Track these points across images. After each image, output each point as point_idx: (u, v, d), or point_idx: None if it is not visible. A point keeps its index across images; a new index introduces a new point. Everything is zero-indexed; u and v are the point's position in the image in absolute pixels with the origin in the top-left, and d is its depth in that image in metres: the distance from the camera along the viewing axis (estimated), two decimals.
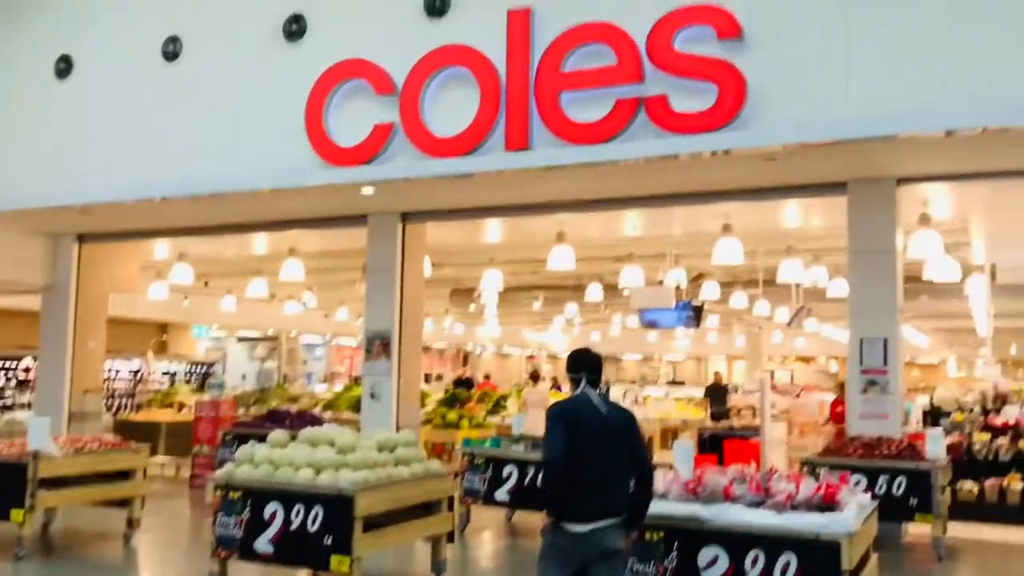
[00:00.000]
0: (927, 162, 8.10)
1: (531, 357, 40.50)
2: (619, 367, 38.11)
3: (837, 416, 12.64)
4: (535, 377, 16.10)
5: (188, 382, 22.01)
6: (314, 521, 5.48)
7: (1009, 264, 15.26)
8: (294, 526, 5.53)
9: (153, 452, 13.46)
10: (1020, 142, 7.14)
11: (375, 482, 5.66)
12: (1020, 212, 10.52)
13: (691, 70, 7.23)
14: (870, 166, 8.16)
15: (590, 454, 4.19)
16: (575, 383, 4.46)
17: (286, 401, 16.34)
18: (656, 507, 4.65)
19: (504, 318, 29.26)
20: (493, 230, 13.00)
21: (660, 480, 4.82)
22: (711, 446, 12.04)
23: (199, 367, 24.69)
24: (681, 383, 30.58)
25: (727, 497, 4.60)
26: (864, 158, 7.82)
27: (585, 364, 4.53)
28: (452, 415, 13.91)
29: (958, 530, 8.46)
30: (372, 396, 10.91)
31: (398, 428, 10.23)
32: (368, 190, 9.36)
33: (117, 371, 23.18)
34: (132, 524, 7.82)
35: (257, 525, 5.64)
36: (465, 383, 20.63)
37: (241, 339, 30.44)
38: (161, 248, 15.13)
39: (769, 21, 7.19)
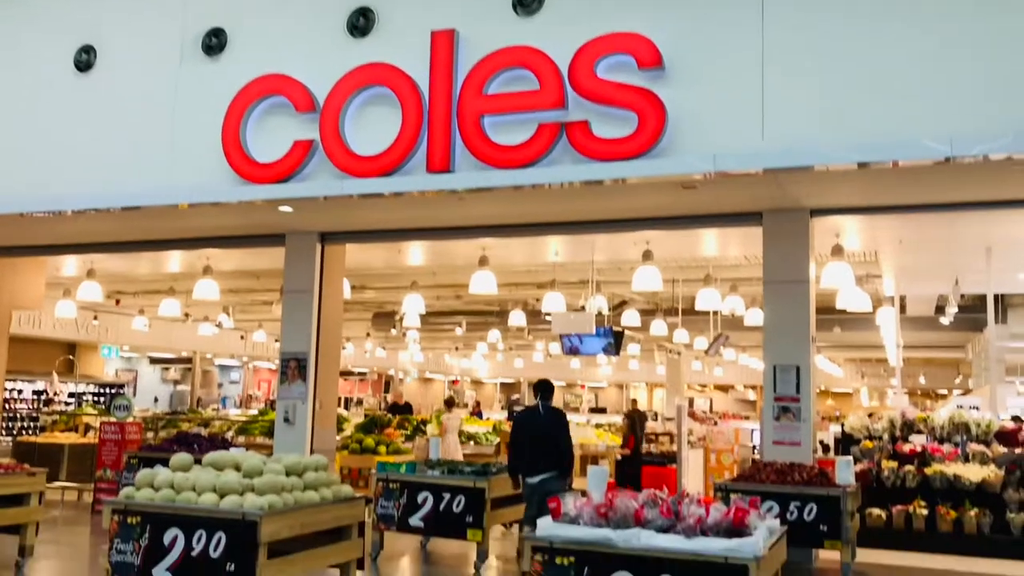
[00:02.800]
0: (840, 194, 8.31)
1: (454, 382, 40.30)
2: None
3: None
4: (450, 403, 16.01)
5: (96, 404, 21.25)
6: (216, 547, 5.27)
7: (917, 296, 15.82)
8: (195, 552, 5.31)
9: (55, 477, 12.96)
10: (929, 177, 7.39)
11: (281, 507, 5.48)
12: (928, 245, 10.90)
13: (612, 98, 7.28)
14: (785, 197, 8.33)
15: (531, 440, 8.27)
16: (536, 397, 8.60)
17: (197, 425, 15.87)
18: (567, 531, 4.61)
19: (427, 343, 29.08)
20: (415, 253, 12.92)
21: (572, 504, 4.78)
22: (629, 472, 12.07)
23: (109, 389, 23.88)
24: (603, 410, 30.73)
25: (638, 521, 4.57)
26: (779, 189, 7.99)
27: (540, 388, 8.64)
28: (370, 440, 13.66)
29: (867, 556, 8.61)
30: (286, 420, 10.66)
31: (312, 453, 9.99)
32: (286, 208, 9.19)
33: (19, 392, 22.27)
34: (24, 552, 7.43)
35: (156, 552, 5.40)
36: (403, 408, 20.00)
37: (153, 360, 29.60)
38: (69, 264, 14.64)
39: (689, 52, 7.30)
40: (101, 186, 9.12)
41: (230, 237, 11.14)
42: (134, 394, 26.73)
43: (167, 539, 5.38)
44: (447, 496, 8.07)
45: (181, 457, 5.93)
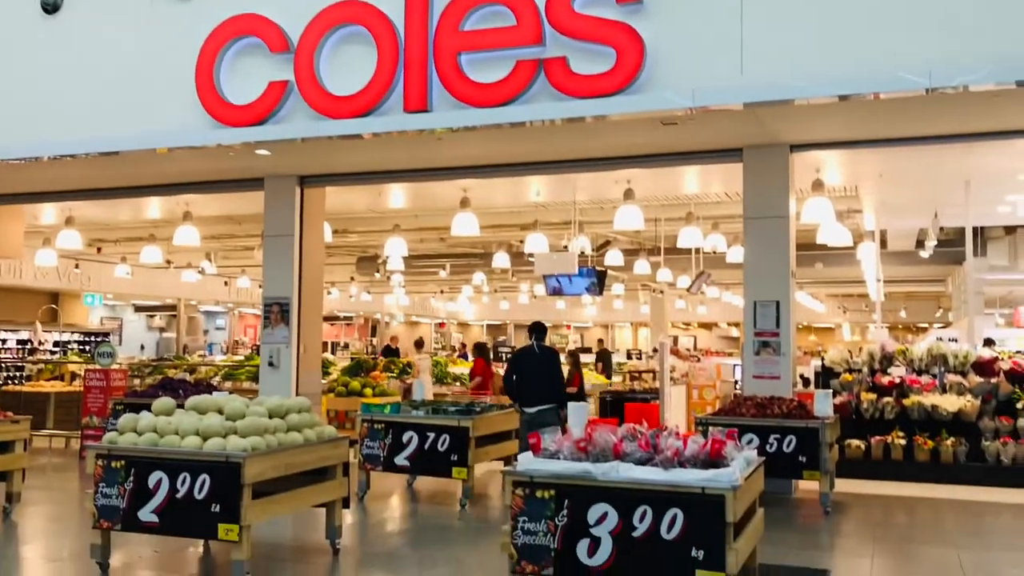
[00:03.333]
0: (820, 129, 8.29)
1: (441, 325, 40.42)
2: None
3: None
4: (419, 344, 16.39)
5: (82, 352, 21.23)
6: (201, 489, 5.31)
7: (897, 231, 15.89)
8: (180, 495, 5.35)
9: (42, 425, 13.00)
10: (909, 110, 7.36)
11: (265, 448, 5.52)
12: (908, 179, 10.91)
13: (590, 33, 7.18)
14: (765, 133, 8.30)
15: (528, 374, 9.28)
16: (530, 337, 9.57)
17: (184, 371, 15.89)
18: (547, 466, 4.67)
19: (412, 286, 29.09)
20: (396, 195, 12.85)
21: (552, 439, 4.84)
22: (613, 410, 12.21)
23: (94, 337, 23.85)
24: (588, 350, 30.94)
25: (617, 455, 4.63)
26: (759, 124, 7.95)
27: (534, 329, 9.67)
28: (355, 383, 13.73)
29: (845, 486, 8.78)
30: (271, 364, 10.70)
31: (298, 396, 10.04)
32: (263, 152, 9.10)
33: (4, 341, 22.22)
34: (12, 498, 7.48)
35: (141, 495, 5.44)
36: (396, 351, 20.61)
37: (138, 308, 29.50)
38: (47, 212, 14.49)
39: None
40: (75, 132, 8.99)
41: (208, 182, 11.04)
42: (120, 342, 26.70)
43: (151, 482, 5.42)
44: (432, 436, 8.15)
45: (164, 402, 5.94)
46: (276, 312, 10.75)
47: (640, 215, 10.66)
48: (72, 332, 24.35)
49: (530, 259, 14.57)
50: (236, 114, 8.30)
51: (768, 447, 7.82)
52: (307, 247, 10.82)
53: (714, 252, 14.72)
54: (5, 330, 22.18)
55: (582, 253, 14.68)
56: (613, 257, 15.77)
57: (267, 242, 10.86)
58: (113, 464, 5.52)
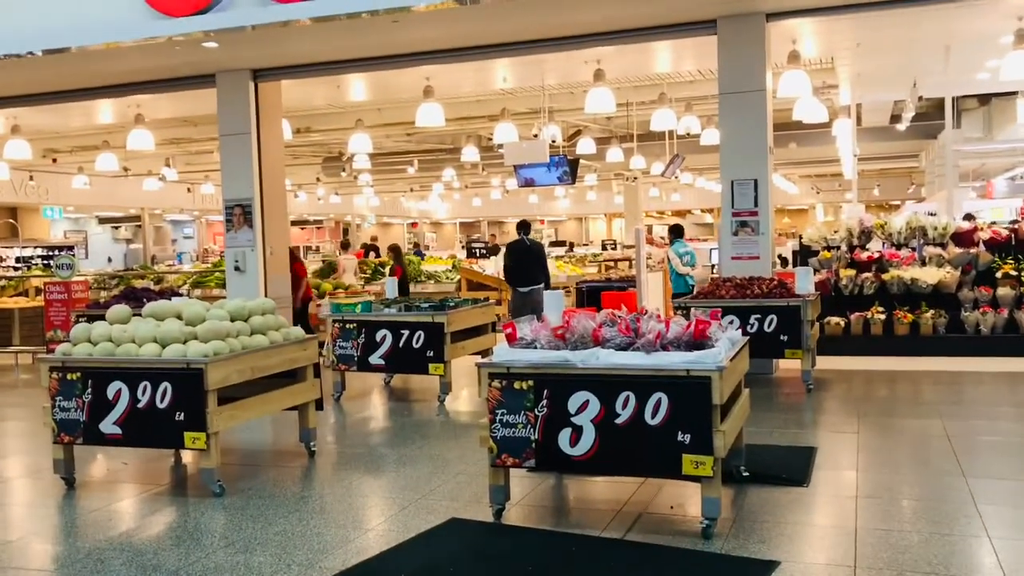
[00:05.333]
0: None
1: (413, 225, 40.00)
2: (502, 231, 38.05)
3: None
4: (345, 246, 16.42)
5: (46, 267, 20.72)
6: (163, 398, 5.07)
7: (872, 105, 15.56)
8: (142, 404, 5.11)
9: (8, 342, 12.68)
10: None
11: (228, 353, 5.26)
12: (885, 48, 10.53)
13: None
14: (739, 1, 7.87)
15: (520, 262, 11.65)
16: (519, 233, 11.90)
17: (150, 281, 15.53)
18: (524, 355, 4.45)
19: (381, 185, 28.55)
20: (356, 87, 12.31)
21: (528, 328, 4.60)
22: (589, 299, 12.06)
23: (57, 251, 23.28)
24: (563, 243, 30.75)
25: (596, 341, 4.41)
26: None
27: (522, 226, 11.98)
28: (327, 285, 13.47)
29: (826, 363, 8.72)
30: (237, 269, 10.38)
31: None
32: (211, 44, 8.57)
33: None
34: None
35: (101, 407, 5.19)
36: (374, 248, 20.87)
37: (102, 220, 28.82)
38: None
39: None
40: (6, 29, 8.40)
41: (157, 81, 10.50)
42: (86, 256, 26.16)
43: (111, 393, 5.16)
44: (406, 333, 7.94)
45: (118, 309, 5.64)
46: (239, 214, 10.37)
47: (612, 97, 10.23)
48: (35, 247, 23.75)
49: (500, 150, 14.16)
50: (178, 2, 7.74)
51: (749, 328, 7.68)
52: (266, 145, 10.37)
53: (688, 134, 14.35)
54: None
55: (553, 142, 14.27)
56: (585, 146, 15.34)
57: (223, 141, 10.38)
58: (68, 376, 5.25)
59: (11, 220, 21.64)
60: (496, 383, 4.41)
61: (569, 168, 14.70)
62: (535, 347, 4.51)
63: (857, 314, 9.58)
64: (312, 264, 17.68)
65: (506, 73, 11.49)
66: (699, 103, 13.74)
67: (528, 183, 15.75)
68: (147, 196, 23.03)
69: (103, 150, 14.82)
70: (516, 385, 4.38)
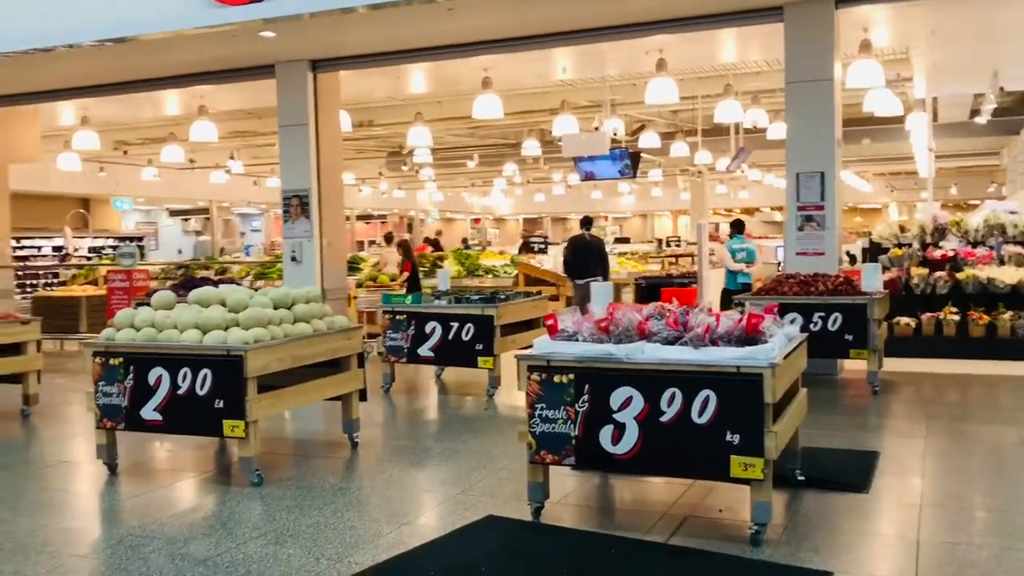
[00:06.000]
0: None
1: (476, 221, 39.99)
2: (565, 227, 37.81)
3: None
4: (388, 239, 16.25)
5: (115, 258, 21.20)
6: (203, 385, 5.01)
7: (950, 99, 14.92)
8: (182, 391, 5.06)
9: (75, 329, 12.94)
10: None
11: (269, 340, 5.18)
12: (963, 36, 10.04)
13: None
14: None
15: (579, 256, 12.25)
16: (581, 227, 12.65)
17: (214, 271, 15.73)
18: (565, 348, 4.27)
19: (443, 180, 28.56)
20: (416, 79, 12.24)
21: (570, 320, 4.41)
22: (649, 295, 11.79)
23: (128, 242, 23.82)
24: (627, 240, 30.38)
25: (642, 334, 4.21)
26: None
27: (584, 222, 12.68)
28: (384, 277, 13.45)
29: (894, 365, 8.33)
30: (294, 259, 10.39)
31: (324, 291, 9.75)
32: (268, 34, 8.56)
33: (39, 248, 22.25)
34: (29, 400, 7.33)
35: (142, 392, 5.16)
36: (436, 243, 20.88)
37: (173, 212, 29.41)
38: (64, 114, 14.13)
39: None
40: (66, 21, 8.53)
41: (218, 72, 10.56)
42: (156, 247, 26.73)
43: (152, 379, 5.13)
44: (455, 325, 7.81)
45: (163, 295, 5.62)
46: (296, 205, 10.38)
47: (674, 87, 9.95)
48: (106, 237, 24.32)
49: (558, 142, 13.96)
50: None
51: (812, 326, 7.36)
52: (324, 136, 10.35)
53: (754, 127, 13.93)
54: (39, 237, 22.16)
55: (614, 134, 14.01)
56: (648, 140, 15.04)
57: (282, 132, 10.40)
58: (111, 361, 5.23)
59: (83, 211, 22.17)
60: (535, 376, 4.24)
61: (631, 161, 14.44)
62: (577, 340, 4.32)
63: (929, 314, 9.15)
64: (374, 258, 17.74)
65: (566, 64, 11.30)
66: (767, 96, 13.31)
67: (588, 176, 15.52)
68: (214, 189, 23.40)
69: (170, 142, 15.03)
70: (556, 379, 4.20)
